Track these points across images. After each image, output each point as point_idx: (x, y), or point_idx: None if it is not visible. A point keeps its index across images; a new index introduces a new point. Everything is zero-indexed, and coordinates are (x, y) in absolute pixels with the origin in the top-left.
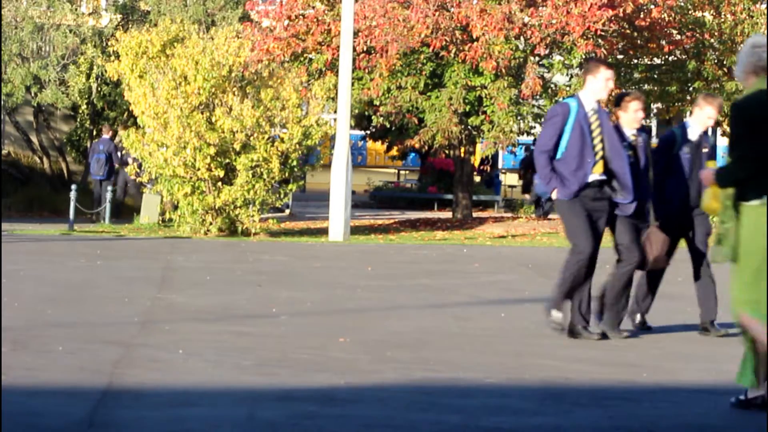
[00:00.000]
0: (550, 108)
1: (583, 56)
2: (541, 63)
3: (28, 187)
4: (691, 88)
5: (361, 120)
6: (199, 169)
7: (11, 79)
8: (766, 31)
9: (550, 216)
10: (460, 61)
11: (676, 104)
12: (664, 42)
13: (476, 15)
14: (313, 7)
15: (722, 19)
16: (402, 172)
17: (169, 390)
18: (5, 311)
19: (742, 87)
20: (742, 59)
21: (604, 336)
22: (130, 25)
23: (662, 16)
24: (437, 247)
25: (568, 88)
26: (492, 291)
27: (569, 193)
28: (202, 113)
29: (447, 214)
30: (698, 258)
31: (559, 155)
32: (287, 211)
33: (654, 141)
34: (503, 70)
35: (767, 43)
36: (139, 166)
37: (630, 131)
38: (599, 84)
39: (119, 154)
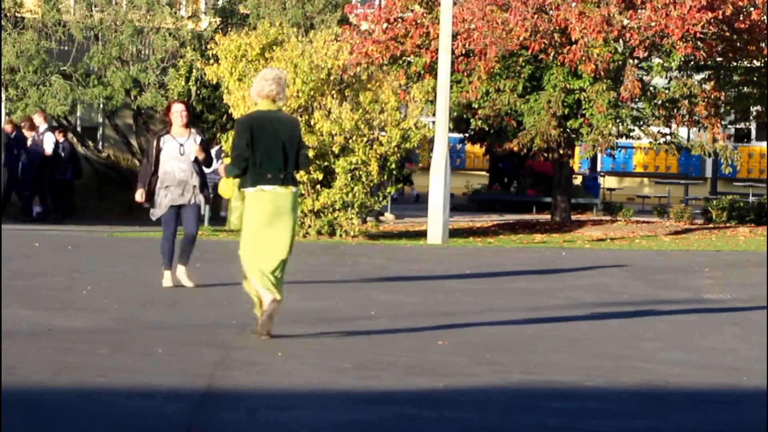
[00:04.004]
0: None
1: (682, 59)
2: (640, 66)
3: (128, 189)
4: None
5: (459, 123)
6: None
7: (111, 82)
8: None
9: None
10: (558, 63)
11: None
12: (763, 44)
13: (575, 18)
14: (412, 11)
15: None
16: None
17: (268, 393)
18: (105, 313)
19: None
20: (254, 85)
21: None
22: (229, 29)
23: (762, 18)
24: (536, 249)
25: (667, 91)
26: (590, 294)
27: None
28: (300, 116)
29: (545, 217)
30: None
31: None
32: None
33: None
34: (602, 73)
35: (272, 78)
36: None
37: None
38: None
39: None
